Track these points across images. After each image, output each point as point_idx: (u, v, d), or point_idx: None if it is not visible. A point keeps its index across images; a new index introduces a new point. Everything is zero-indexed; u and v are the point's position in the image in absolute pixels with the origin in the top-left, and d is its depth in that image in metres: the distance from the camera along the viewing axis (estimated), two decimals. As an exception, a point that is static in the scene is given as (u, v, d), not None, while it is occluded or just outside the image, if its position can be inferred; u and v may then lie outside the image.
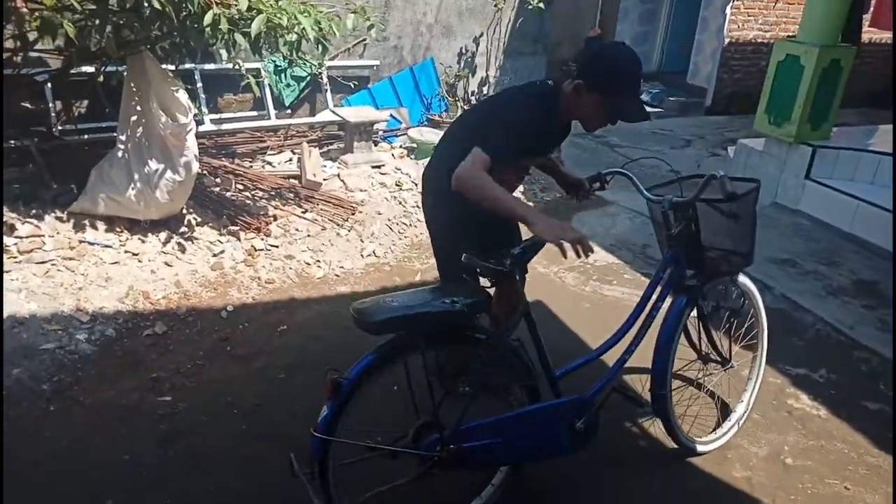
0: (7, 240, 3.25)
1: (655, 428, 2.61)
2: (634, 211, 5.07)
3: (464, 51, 6.30)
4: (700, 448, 2.52)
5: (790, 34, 8.49)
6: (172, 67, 3.69)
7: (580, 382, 2.22)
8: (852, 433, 2.74)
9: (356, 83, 5.54)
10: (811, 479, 2.48)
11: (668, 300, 2.35)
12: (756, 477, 2.48)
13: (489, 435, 1.97)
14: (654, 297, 2.31)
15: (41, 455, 2.36)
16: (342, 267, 3.93)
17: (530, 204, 1.90)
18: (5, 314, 2.95)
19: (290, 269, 3.80)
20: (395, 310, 1.82)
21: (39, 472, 2.28)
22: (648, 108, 9.00)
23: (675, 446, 2.49)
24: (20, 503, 2.14)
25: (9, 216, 3.36)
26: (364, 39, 5.50)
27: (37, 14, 2.90)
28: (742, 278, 2.52)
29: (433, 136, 5.18)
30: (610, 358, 2.29)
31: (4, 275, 3.12)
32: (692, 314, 2.40)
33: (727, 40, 8.70)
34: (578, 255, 1.87)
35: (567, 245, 1.83)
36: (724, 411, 2.70)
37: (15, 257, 3.22)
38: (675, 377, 2.48)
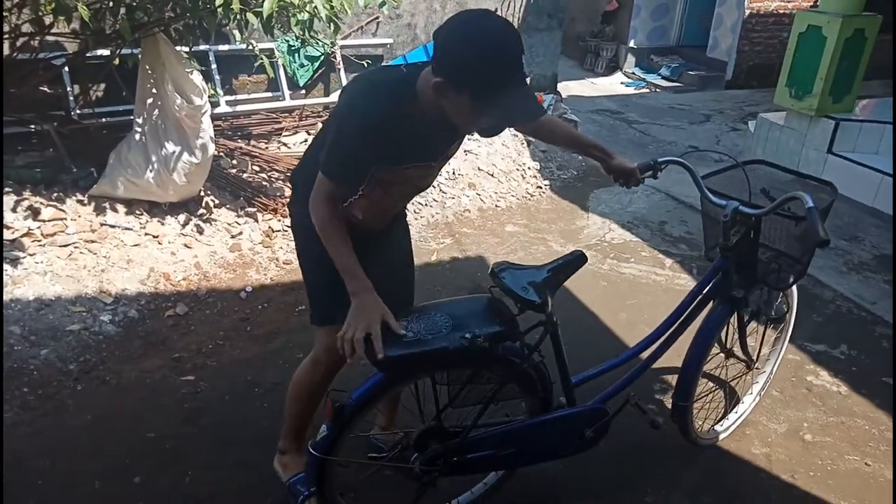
0: (31, 223, 3.30)
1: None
2: (652, 188, 5.03)
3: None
4: (722, 436, 2.51)
5: (813, 4, 8.29)
6: (186, 49, 3.69)
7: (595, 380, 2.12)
8: (873, 409, 2.72)
9: (370, 62, 5.50)
10: (830, 455, 2.47)
11: (709, 306, 2.19)
12: (775, 453, 2.48)
13: (494, 445, 1.88)
14: (694, 304, 2.14)
15: (70, 433, 2.43)
16: (359, 247, 3.95)
17: (367, 280, 1.67)
18: (32, 296, 3.02)
19: (308, 249, 3.83)
20: (409, 345, 1.60)
21: (68, 448, 2.35)
22: (668, 83, 8.91)
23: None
24: (51, 479, 2.21)
25: (31, 200, 3.41)
26: (377, 17, 5.44)
27: (52, -3, 2.92)
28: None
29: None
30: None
31: (30, 257, 3.18)
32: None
33: (748, 12, 8.53)
34: (348, 352, 1.60)
35: (346, 340, 1.59)
36: (733, 401, 2.64)
37: (39, 240, 3.27)
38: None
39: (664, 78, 9.15)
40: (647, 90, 8.94)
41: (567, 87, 8.20)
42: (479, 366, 1.78)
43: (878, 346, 3.17)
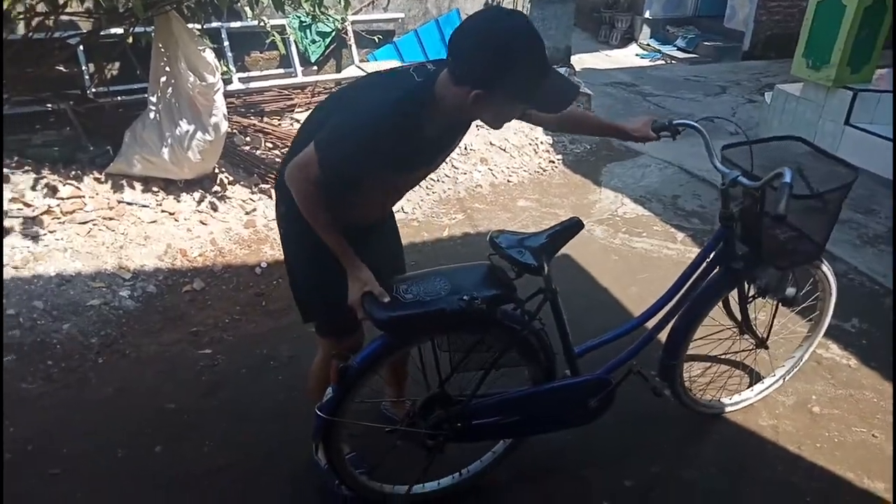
0: (50, 201, 3.37)
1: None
2: (665, 161, 5.00)
3: (490, 0, 6.16)
4: (728, 409, 2.51)
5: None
6: (199, 26, 3.71)
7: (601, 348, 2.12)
8: (882, 382, 2.73)
9: (381, 37, 5.48)
10: (838, 428, 2.49)
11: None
12: (782, 425, 2.50)
13: (497, 412, 1.92)
14: (699, 272, 2.12)
15: (92, 405, 2.51)
16: (371, 223, 3.98)
17: (357, 259, 1.70)
18: (53, 272, 3.10)
19: (321, 225, 3.86)
20: (408, 306, 1.66)
21: (91, 420, 2.43)
22: (683, 55, 8.77)
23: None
24: (76, 449, 2.30)
25: (50, 178, 3.48)
26: (388, -9, 5.42)
27: (64, -23, 2.95)
28: (825, 267, 2.30)
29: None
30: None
31: (50, 234, 3.25)
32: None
33: (767, -20, 8.34)
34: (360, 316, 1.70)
35: (356, 305, 1.68)
36: (751, 378, 2.65)
37: (59, 218, 3.34)
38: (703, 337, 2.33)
39: (680, 49, 9.01)
40: (663, 62, 8.81)
41: (581, 60, 8.11)
42: (478, 329, 1.80)
43: (889, 320, 3.15)
